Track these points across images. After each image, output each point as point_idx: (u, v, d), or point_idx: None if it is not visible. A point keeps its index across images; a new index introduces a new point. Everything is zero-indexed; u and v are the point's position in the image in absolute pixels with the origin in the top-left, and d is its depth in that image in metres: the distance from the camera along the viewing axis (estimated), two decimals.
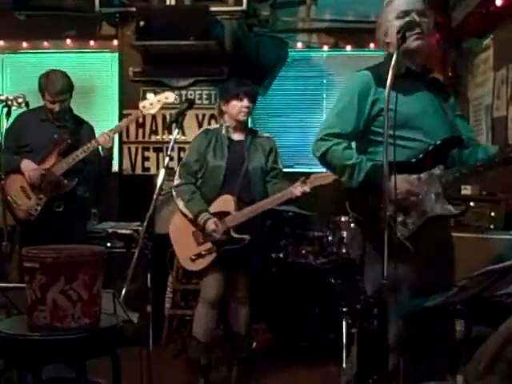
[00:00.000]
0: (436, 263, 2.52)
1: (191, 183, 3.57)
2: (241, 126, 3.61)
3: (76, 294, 2.27)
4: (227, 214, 3.48)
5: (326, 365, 4.09)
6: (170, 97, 4.05)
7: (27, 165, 3.96)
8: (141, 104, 4.09)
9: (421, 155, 2.52)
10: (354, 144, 2.72)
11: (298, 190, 3.35)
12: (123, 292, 2.90)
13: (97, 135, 4.14)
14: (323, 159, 2.66)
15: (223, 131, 3.60)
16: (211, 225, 3.45)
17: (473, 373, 2.01)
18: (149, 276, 3.01)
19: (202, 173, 3.57)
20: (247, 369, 3.81)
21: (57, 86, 4.01)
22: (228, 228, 3.46)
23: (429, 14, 2.59)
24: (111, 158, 4.22)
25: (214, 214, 3.49)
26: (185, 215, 3.57)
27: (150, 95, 4.10)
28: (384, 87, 2.39)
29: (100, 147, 4.03)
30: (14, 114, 3.67)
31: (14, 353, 2.29)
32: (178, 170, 3.66)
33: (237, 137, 3.62)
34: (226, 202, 3.49)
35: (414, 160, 2.53)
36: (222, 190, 3.51)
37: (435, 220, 2.48)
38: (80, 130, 4.22)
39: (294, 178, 5.52)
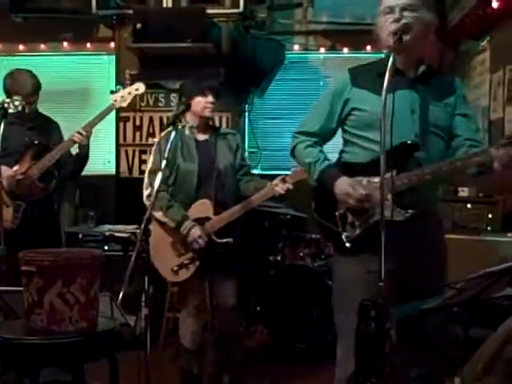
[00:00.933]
0: (416, 263, 2.48)
1: (164, 190, 3.35)
2: (205, 124, 3.45)
3: (73, 298, 2.27)
4: (207, 219, 3.34)
5: (323, 367, 4.08)
6: (140, 88, 3.97)
7: (3, 170, 3.68)
8: (112, 97, 3.98)
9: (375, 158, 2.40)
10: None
11: (280, 187, 3.25)
12: (120, 295, 2.89)
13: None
14: (292, 156, 2.75)
15: (187, 132, 3.42)
16: (196, 232, 3.30)
17: (471, 374, 2.01)
18: (146, 279, 2.99)
19: (173, 178, 3.40)
20: (239, 374, 3.72)
21: (26, 87, 3.88)
22: (209, 233, 3.33)
23: (418, 8, 2.46)
24: (87, 156, 4.01)
25: (194, 221, 3.33)
26: (162, 225, 3.41)
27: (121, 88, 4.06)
28: (358, 87, 2.51)
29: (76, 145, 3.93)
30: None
31: (11, 356, 2.29)
32: (146, 179, 3.45)
33: (202, 137, 3.46)
34: (203, 207, 3.34)
35: (367, 162, 2.50)
36: (198, 193, 3.36)
37: (410, 221, 2.41)
38: (49, 129, 4.10)
39: None
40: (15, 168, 3.87)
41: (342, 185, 2.48)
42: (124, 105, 4.02)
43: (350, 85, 2.56)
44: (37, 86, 3.97)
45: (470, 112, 2.62)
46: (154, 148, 3.52)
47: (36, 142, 3.96)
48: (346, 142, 2.64)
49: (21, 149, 3.92)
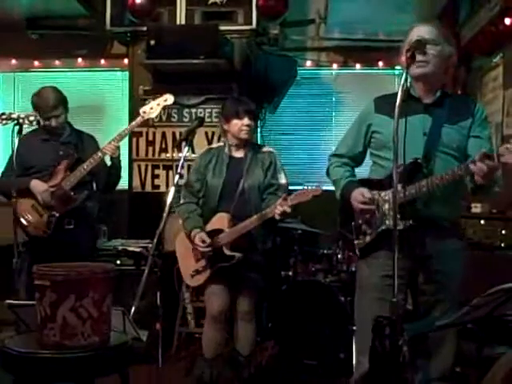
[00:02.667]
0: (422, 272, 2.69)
1: (192, 202, 3.60)
2: (242, 144, 3.59)
3: (86, 312, 2.27)
4: (220, 231, 3.47)
5: None
6: (169, 99, 4.05)
7: (37, 185, 3.92)
8: (141, 109, 4.08)
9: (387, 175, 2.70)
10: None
11: (278, 209, 3.28)
12: (133, 309, 2.90)
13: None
14: (327, 175, 3.07)
15: (225, 149, 3.61)
16: (197, 240, 3.46)
17: None
18: (158, 294, 3.00)
19: (202, 192, 3.60)
20: None
21: (49, 101, 3.98)
22: (220, 245, 3.44)
23: (439, 42, 2.66)
24: (119, 166, 4.13)
25: (210, 232, 3.48)
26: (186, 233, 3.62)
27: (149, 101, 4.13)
28: (380, 113, 2.80)
29: (108, 157, 4.01)
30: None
31: (24, 370, 2.29)
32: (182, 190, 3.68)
33: (238, 154, 3.61)
34: (220, 220, 3.48)
35: (381, 178, 2.76)
36: (219, 208, 3.51)
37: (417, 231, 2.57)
38: (83, 143, 4.19)
39: None
40: (49, 182, 3.96)
41: (355, 193, 2.78)
42: (153, 116, 4.10)
43: (373, 111, 2.85)
44: (60, 100, 4.05)
45: (486, 134, 2.75)
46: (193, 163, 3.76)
47: (70, 155, 4.04)
48: (372, 162, 2.93)
49: (55, 163, 4.01)
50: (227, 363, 3.65)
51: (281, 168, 3.61)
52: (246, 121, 3.50)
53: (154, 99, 4.10)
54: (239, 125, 3.51)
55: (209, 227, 3.52)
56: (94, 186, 4.16)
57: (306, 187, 3.37)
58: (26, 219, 3.95)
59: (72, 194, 3.98)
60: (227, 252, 3.44)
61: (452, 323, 2.21)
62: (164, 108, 5.07)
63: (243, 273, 3.48)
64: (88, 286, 2.29)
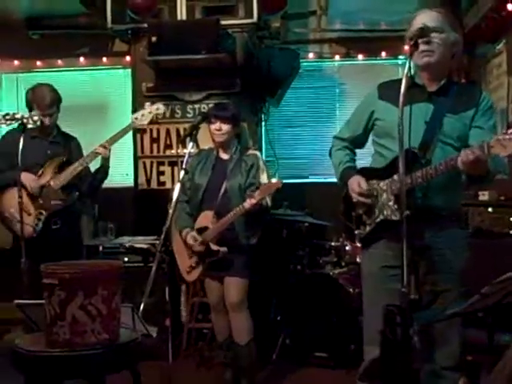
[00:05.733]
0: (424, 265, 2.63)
1: (184, 201, 3.83)
2: (222, 145, 3.82)
3: (95, 309, 2.27)
4: (206, 228, 3.71)
5: (345, 376, 4.06)
6: (160, 108, 4.20)
7: (25, 176, 3.85)
8: (133, 116, 4.17)
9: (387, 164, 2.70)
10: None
11: (247, 203, 3.55)
12: (141, 306, 2.90)
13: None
14: (330, 157, 3.06)
15: (214, 151, 3.86)
16: (189, 239, 3.73)
17: (499, 377, 1.98)
18: (167, 290, 3.00)
19: (190, 191, 3.84)
20: (254, 380, 3.86)
21: (46, 98, 3.97)
22: (207, 241, 3.68)
23: (444, 30, 2.61)
24: (107, 171, 4.15)
25: (198, 230, 3.74)
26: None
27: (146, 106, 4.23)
28: (383, 100, 2.76)
29: (99, 158, 4.03)
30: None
31: (35, 369, 2.29)
32: None
33: (225, 156, 3.85)
34: (205, 218, 3.73)
35: (380, 168, 2.74)
36: (203, 206, 3.76)
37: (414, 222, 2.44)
38: (70, 145, 4.20)
39: (309, 188, 5.59)
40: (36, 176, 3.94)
41: (351, 182, 2.78)
42: (144, 123, 4.19)
43: (377, 97, 2.82)
44: (56, 99, 4.05)
45: (489, 124, 2.68)
46: None
47: (59, 155, 4.02)
48: (374, 151, 2.88)
49: (42, 162, 4.00)
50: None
51: (264, 169, 3.82)
52: (217, 125, 3.73)
53: (145, 107, 4.21)
54: (212, 129, 3.76)
55: (196, 225, 3.77)
56: (84, 187, 4.16)
57: (269, 181, 3.70)
58: (13, 217, 3.88)
59: (61, 194, 3.96)
60: (213, 247, 3.67)
61: (462, 312, 2.20)
62: (167, 105, 5.15)
63: (227, 266, 3.71)
64: (96, 284, 2.28)
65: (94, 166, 4.18)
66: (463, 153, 2.37)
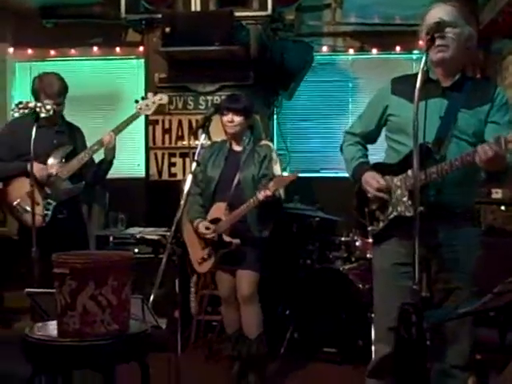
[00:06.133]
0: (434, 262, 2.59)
1: (196, 193, 3.84)
2: (235, 137, 3.83)
3: (105, 300, 2.27)
4: (219, 220, 3.73)
5: (353, 371, 4.05)
6: (163, 99, 4.27)
7: (34, 165, 3.81)
8: (137, 106, 4.18)
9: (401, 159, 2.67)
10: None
11: (261, 194, 3.54)
12: (151, 297, 2.90)
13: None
14: (341, 152, 3.01)
15: (227, 143, 3.87)
16: (201, 228, 3.74)
17: (509, 378, 1.97)
18: (177, 281, 3.00)
19: (203, 183, 3.86)
20: (262, 374, 3.87)
21: (53, 87, 3.94)
22: (220, 233, 3.69)
23: (459, 24, 2.58)
24: (112, 159, 4.12)
25: (210, 221, 3.76)
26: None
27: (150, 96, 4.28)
28: (397, 95, 2.73)
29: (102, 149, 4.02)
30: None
31: (44, 358, 2.30)
32: None
33: (237, 147, 3.86)
34: (218, 209, 3.75)
35: (394, 163, 2.71)
36: (216, 198, 3.77)
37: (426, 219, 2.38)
38: (75, 134, 4.18)
39: (320, 182, 5.56)
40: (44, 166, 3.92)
41: (367, 177, 2.74)
42: (148, 113, 4.29)
43: (390, 92, 2.78)
44: (63, 88, 4.02)
45: (505, 120, 2.64)
46: None
47: (65, 145, 4.02)
48: (387, 146, 2.85)
49: (49, 151, 3.98)
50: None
51: (277, 160, 3.83)
52: (229, 117, 3.74)
53: (149, 97, 4.25)
54: (224, 120, 3.76)
55: (208, 217, 3.79)
56: (90, 177, 4.14)
57: (284, 174, 3.74)
58: (21, 206, 3.90)
59: (69, 183, 3.96)
60: (226, 238, 3.69)
61: (475, 310, 2.18)
62: (179, 96, 5.14)
63: (239, 259, 3.72)
64: (107, 274, 2.28)
65: (99, 156, 4.16)
66: (481, 149, 2.34)
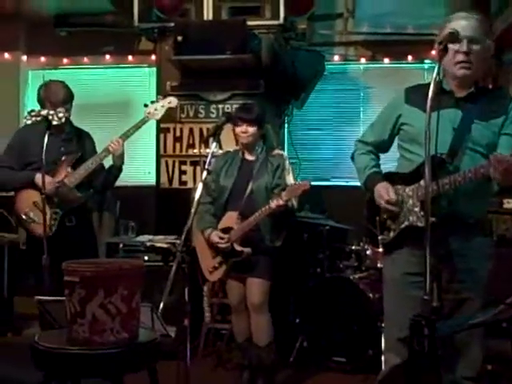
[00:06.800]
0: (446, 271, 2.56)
1: (207, 202, 3.84)
2: (248, 147, 3.83)
3: (115, 308, 2.27)
4: (230, 229, 3.72)
5: (363, 381, 4.02)
6: (173, 102, 4.25)
7: (40, 177, 3.81)
8: (146, 110, 4.18)
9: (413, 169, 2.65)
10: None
11: (273, 203, 3.54)
12: (161, 306, 2.89)
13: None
14: (352, 161, 2.99)
15: (240, 152, 3.87)
16: (214, 237, 3.74)
17: None
18: (186, 290, 2.99)
19: (215, 192, 3.85)
20: (271, 382, 3.85)
21: (58, 95, 3.96)
22: (232, 241, 3.69)
23: (482, 40, 2.57)
24: (121, 166, 4.12)
25: (222, 230, 3.75)
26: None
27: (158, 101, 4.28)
28: (410, 104, 2.70)
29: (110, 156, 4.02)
30: None
31: (54, 366, 2.30)
32: None
33: (250, 157, 3.86)
34: (229, 219, 3.75)
35: (407, 173, 2.69)
36: (229, 207, 3.77)
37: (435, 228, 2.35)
38: (84, 141, 4.18)
39: (331, 191, 5.55)
40: (52, 178, 3.93)
41: (379, 188, 2.72)
42: (157, 118, 4.25)
43: (404, 102, 2.75)
44: (69, 96, 4.04)
45: None
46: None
47: (72, 152, 4.03)
48: (399, 155, 2.84)
49: (57, 159, 3.98)
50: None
51: (290, 169, 3.83)
52: (243, 128, 3.75)
53: (158, 101, 4.25)
54: (238, 131, 3.77)
55: (220, 225, 3.78)
56: (98, 184, 4.15)
57: (297, 182, 3.68)
58: (28, 216, 3.91)
59: (76, 192, 3.96)
60: (237, 247, 3.68)
61: (486, 321, 2.16)
62: (191, 104, 5.15)
63: (251, 267, 3.71)
64: (117, 282, 2.29)
65: (108, 162, 4.15)
66: (494, 159, 2.34)
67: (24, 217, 3.92)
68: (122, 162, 4.10)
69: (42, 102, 4.03)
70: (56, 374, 2.36)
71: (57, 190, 3.90)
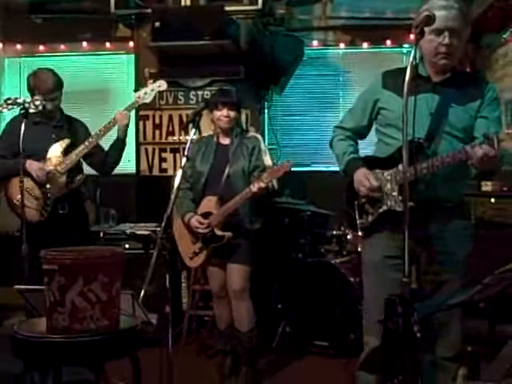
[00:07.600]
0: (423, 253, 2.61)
1: (186, 188, 3.82)
2: (227, 131, 3.82)
3: (95, 296, 2.26)
4: (210, 213, 3.70)
5: (345, 365, 4.06)
6: (162, 85, 4.23)
7: (31, 164, 3.87)
8: (136, 94, 4.20)
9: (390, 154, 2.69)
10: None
11: (255, 186, 3.52)
12: (142, 293, 2.89)
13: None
14: (330, 147, 3.00)
15: (214, 137, 3.86)
16: (194, 222, 3.71)
17: (500, 371, 1.97)
18: (167, 277, 2.99)
19: (192, 178, 3.83)
20: (254, 368, 3.85)
21: (47, 83, 3.94)
22: (212, 226, 3.66)
23: (463, 30, 2.59)
24: (125, 138, 4.14)
25: (201, 215, 3.72)
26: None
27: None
28: (387, 89, 2.72)
29: (116, 126, 4.05)
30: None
31: (34, 355, 2.29)
32: None
33: (225, 141, 3.84)
34: (208, 203, 3.73)
35: (385, 157, 2.71)
36: (206, 192, 3.75)
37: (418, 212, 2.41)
38: (75, 128, 4.17)
39: (311, 176, 5.56)
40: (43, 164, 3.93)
41: (359, 175, 2.72)
42: (147, 101, 4.23)
43: (381, 87, 2.77)
44: (58, 84, 4.02)
45: (494, 115, 2.66)
46: None
47: (63, 139, 4.01)
48: (377, 139, 2.86)
49: (48, 146, 3.98)
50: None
51: (266, 150, 3.84)
52: (224, 112, 3.74)
53: (148, 85, 4.26)
54: (219, 115, 3.75)
55: (199, 211, 3.75)
56: (90, 169, 4.17)
57: (277, 165, 3.68)
58: (21, 203, 3.89)
59: (67, 177, 3.96)
60: (218, 232, 3.66)
61: (464, 302, 2.19)
62: (170, 91, 5.11)
63: (231, 252, 3.70)
64: (97, 270, 2.27)
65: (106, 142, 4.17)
66: (471, 150, 2.38)
67: (17, 203, 3.91)
68: (125, 135, 4.12)
69: (31, 90, 4.01)
70: (37, 363, 2.34)
71: (47, 175, 3.90)
